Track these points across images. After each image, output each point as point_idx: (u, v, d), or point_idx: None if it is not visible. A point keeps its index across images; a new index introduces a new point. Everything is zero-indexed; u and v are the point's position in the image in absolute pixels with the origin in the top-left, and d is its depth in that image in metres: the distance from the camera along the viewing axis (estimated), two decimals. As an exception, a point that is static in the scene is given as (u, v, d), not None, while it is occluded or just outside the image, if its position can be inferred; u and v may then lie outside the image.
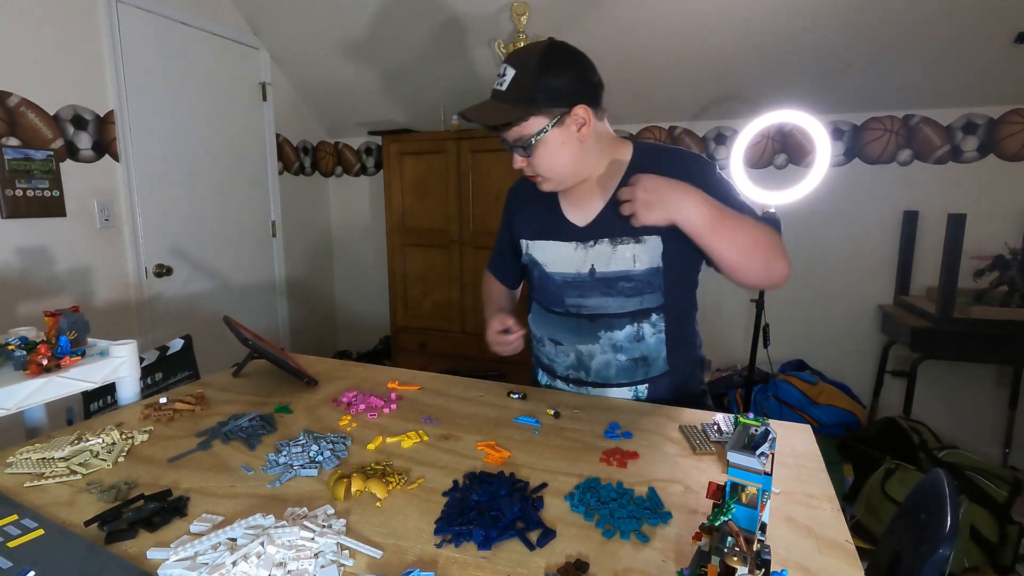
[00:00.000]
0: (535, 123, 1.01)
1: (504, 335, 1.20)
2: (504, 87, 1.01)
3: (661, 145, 1.17)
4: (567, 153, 1.05)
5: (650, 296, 1.11)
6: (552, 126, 1.02)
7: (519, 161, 1.08)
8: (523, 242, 1.23)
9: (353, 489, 0.77)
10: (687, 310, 1.18)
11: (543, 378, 1.28)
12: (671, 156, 1.11)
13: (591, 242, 1.12)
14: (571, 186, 1.13)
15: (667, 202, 0.95)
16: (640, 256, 1.08)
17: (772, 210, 2.26)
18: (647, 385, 1.15)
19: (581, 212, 1.14)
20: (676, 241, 1.05)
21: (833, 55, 2.35)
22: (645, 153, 1.13)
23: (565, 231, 1.15)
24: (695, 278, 1.17)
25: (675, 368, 1.16)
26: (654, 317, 1.12)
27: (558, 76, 1.00)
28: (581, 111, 1.02)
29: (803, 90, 2.54)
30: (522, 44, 2.48)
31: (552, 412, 1.07)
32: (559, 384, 1.23)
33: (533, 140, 1.03)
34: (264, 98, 3.13)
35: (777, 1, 2.19)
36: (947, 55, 2.24)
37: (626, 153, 1.13)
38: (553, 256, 1.16)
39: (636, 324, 1.12)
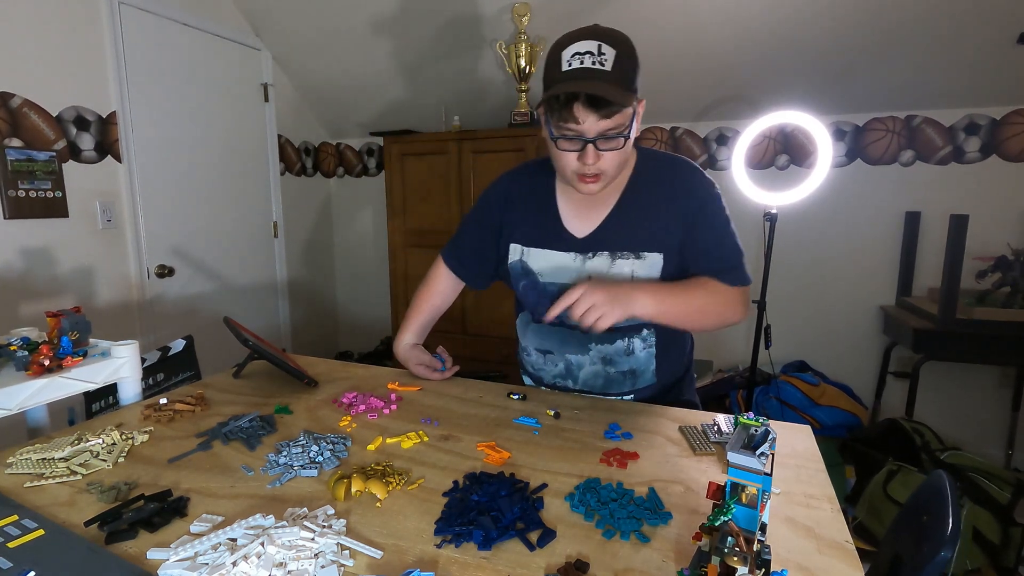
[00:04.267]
0: (627, 114, 0.93)
1: (432, 369, 1.26)
2: (608, 66, 0.89)
3: (661, 154, 1.12)
4: (628, 150, 0.99)
5: None
6: (634, 118, 0.95)
7: (594, 156, 0.95)
8: (515, 247, 1.15)
9: (353, 489, 0.77)
10: None
11: (529, 383, 1.28)
12: (671, 169, 1.07)
13: (590, 253, 1.07)
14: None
15: (621, 302, 0.95)
16: (638, 273, 1.05)
17: (774, 210, 2.26)
18: (632, 396, 1.16)
19: (581, 221, 1.08)
20: (675, 261, 1.05)
21: (835, 56, 2.35)
22: (647, 162, 1.09)
23: (563, 240, 1.09)
24: None
25: (662, 380, 1.15)
26: (645, 332, 1.11)
27: (639, 70, 0.93)
28: (641, 107, 0.96)
29: (805, 91, 2.53)
30: (523, 45, 2.48)
31: (552, 413, 1.07)
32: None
33: (629, 132, 0.94)
34: (266, 99, 3.14)
35: (779, 2, 2.19)
36: (949, 56, 2.24)
37: (632, 159, 1.08)
38: (549, 266, 1.11)
39: (627, 339, 1.11)
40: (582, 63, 0.90)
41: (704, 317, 1.05)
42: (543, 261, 1.12)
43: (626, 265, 1.05)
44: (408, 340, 1.32)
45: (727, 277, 1.06)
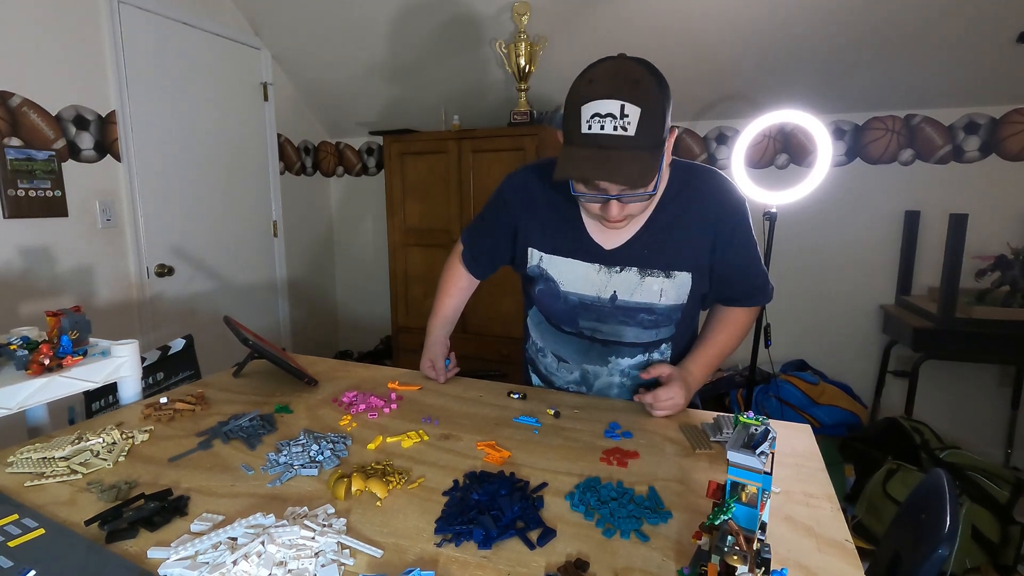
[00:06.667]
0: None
1: (435, 371, 1.25)
2: (632, 130, 0.81)
3: (695, 167, 1.06)
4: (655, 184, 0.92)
5: (665, 329, 1.10)
6: (661, 165, 0.88)
7: (618, 209, 0.91)
8: (533, 252, 1.12)
9: (353, 488, 0.77)
10: (692, 336, 1.18)
11: (537, 383, 1.28)
12: (705, 186, 1.03)
13: (617, 267, 1.04)
14: None
15: (690, 396, 1.08)
16: (667, 292, 1.04)
17: (773, 209, 2.26)
18: None
19: (609, 233, 1.04)
20: (700, 281, 1.05)
21: (835, 55, 2.35)
22: (680, 176, 1.04)
23: (588, 251, 1.06)
24: (700, 309, 1.17)
25: None
26: (663, 347, 1.13)
27: (670, 105, 0.86)
28: (672, 137, 0.90)
29: (805, 90, 2.53)
30: (522, 44, 2.47)
31: (552, 412, 1.07)
32: None
33: (655, 185, 0.88)
34: (266, 98, 3.13)
35: (779, 1, 2.19)
36: (949, 55, 2.24)
37: (665, 173, 1.02)
38: (571, 276, 1.08)
39: (647, 353, 1.12)
40: (602, 128, 0.82)
41: (732, 351, 1.15)
42: (564, 269, 1.09)
43: (655, 283, 1.04)
44: (439, 334, 1.31)
45: (754, 300, 1.12)
